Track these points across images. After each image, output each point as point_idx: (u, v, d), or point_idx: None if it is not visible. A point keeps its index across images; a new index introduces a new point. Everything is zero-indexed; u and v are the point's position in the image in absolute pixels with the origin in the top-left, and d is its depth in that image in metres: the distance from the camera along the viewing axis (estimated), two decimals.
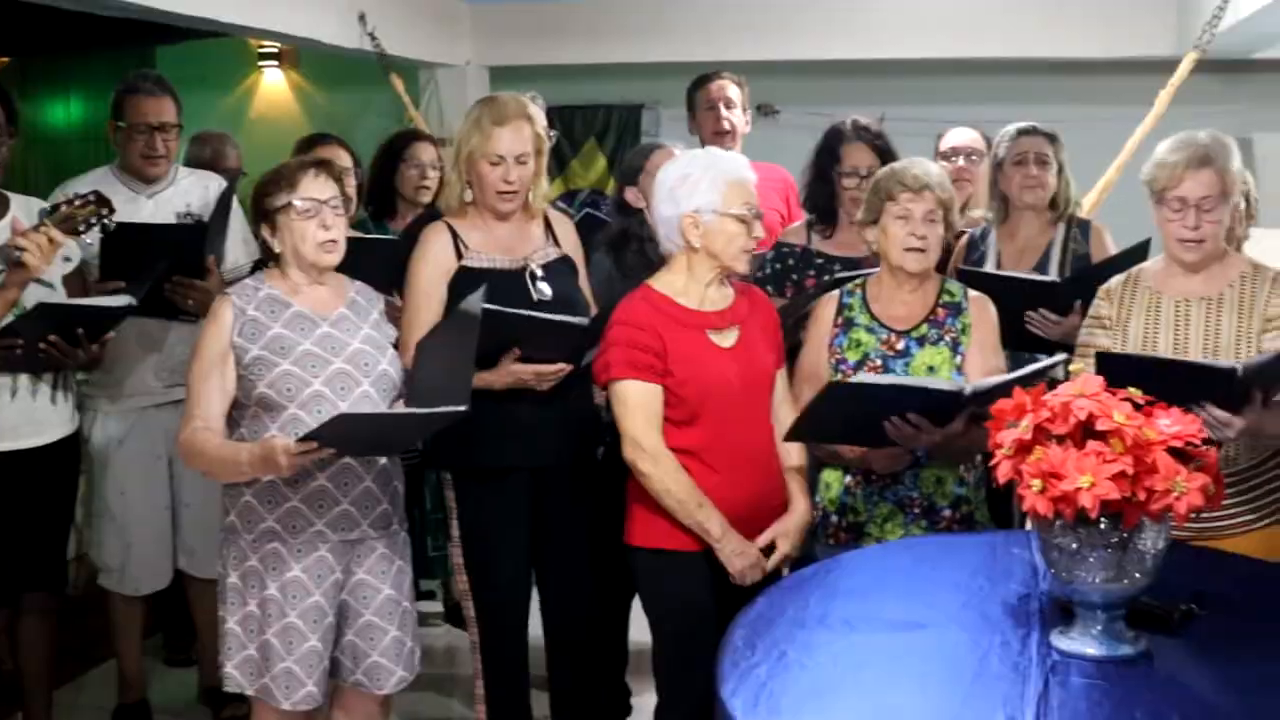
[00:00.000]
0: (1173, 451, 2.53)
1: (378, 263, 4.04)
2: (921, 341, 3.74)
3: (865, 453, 3.67)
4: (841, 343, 3.78)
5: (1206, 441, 3.08)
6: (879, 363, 3.72)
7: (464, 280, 3.84)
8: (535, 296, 3.90)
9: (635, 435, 3.52)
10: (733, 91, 5.51)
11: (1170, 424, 2.56)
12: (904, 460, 3.67)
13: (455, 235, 3.93)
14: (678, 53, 8.41)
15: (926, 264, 3.74)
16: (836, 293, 3.88)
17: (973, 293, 3.85)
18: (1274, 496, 3.55)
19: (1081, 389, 2.56)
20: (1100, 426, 2.50)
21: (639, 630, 3.76)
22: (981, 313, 3.81)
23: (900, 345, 3.75)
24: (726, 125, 5.45)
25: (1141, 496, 2.48)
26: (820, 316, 3.86)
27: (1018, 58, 8.43)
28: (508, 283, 3.82)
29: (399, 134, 5.62)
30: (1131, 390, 2.61)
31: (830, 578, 3.19)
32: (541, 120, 4.02)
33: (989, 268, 4.56)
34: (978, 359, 3.70)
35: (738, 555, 3.53)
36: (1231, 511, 3.49)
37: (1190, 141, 3.51)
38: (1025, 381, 3.27)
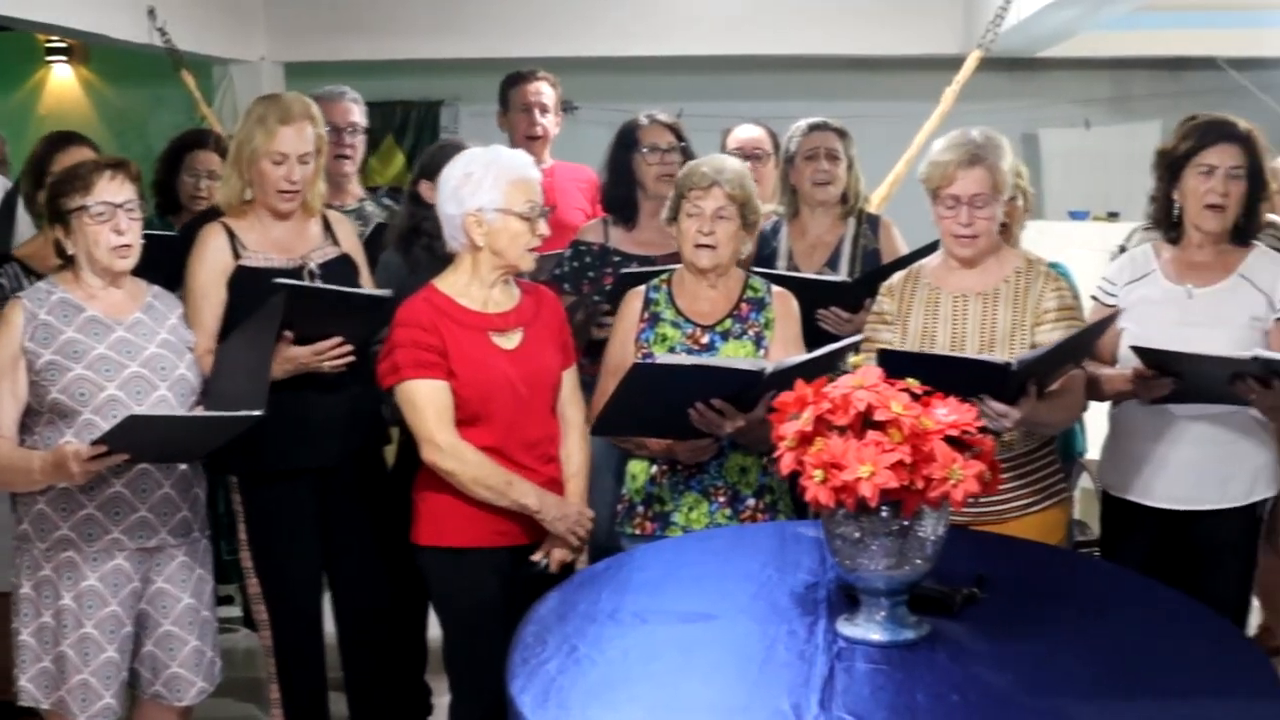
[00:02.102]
0: (950, 440, 2.59)
1: (159, 260, 3.96)
2: (726, 336, 3.79)
3: (671, 444, 3.71)
4: (648, 337, 3.81)
5: (983, 430, 3.21)
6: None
7: (242, 279, 3.82)
8: None
9: (429, 434, 3.51)
10: (547, 96, 5.49)
11: (947, 413, 2.62)
12: (709, 451, 3.71)
13: (232, 235, 3.89)
14: (476, 49, 8.40)
15: (716, 260, 3.76)
16: (643, 288, 3.91)
17: (776, 288, 3.90)
18: (1050, 480, 3.70)
19: (861, 381, 2.61)
20: (879, 417, 2.55)
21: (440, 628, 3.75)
22: (784, 307, 3.87)
23: (705, 339, 3.79)
24: (539, 130, 5.43)
25: (920, 484, 2.53)
26: (627, 311, 3.89)
27: (811, 54, 8.58)
28: None
29: (183, 136, 5.49)
30: (910, 381, 2.68)
31: (623, 572, 3.21)
32: (323, 120, 4.01)
33: (780, 264, 4.62)
34: (781, 353, 3.72)
35: (560, 519, 3.57)
36: (1011, 496, 3.61)
37: (962, 140, 3.61)
38: (824, 360, 3.34)
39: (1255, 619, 5.48)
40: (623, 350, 3.83)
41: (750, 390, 3.43)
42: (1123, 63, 9.24)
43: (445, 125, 9.76)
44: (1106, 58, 9.05)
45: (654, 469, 3.83)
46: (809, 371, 2.99)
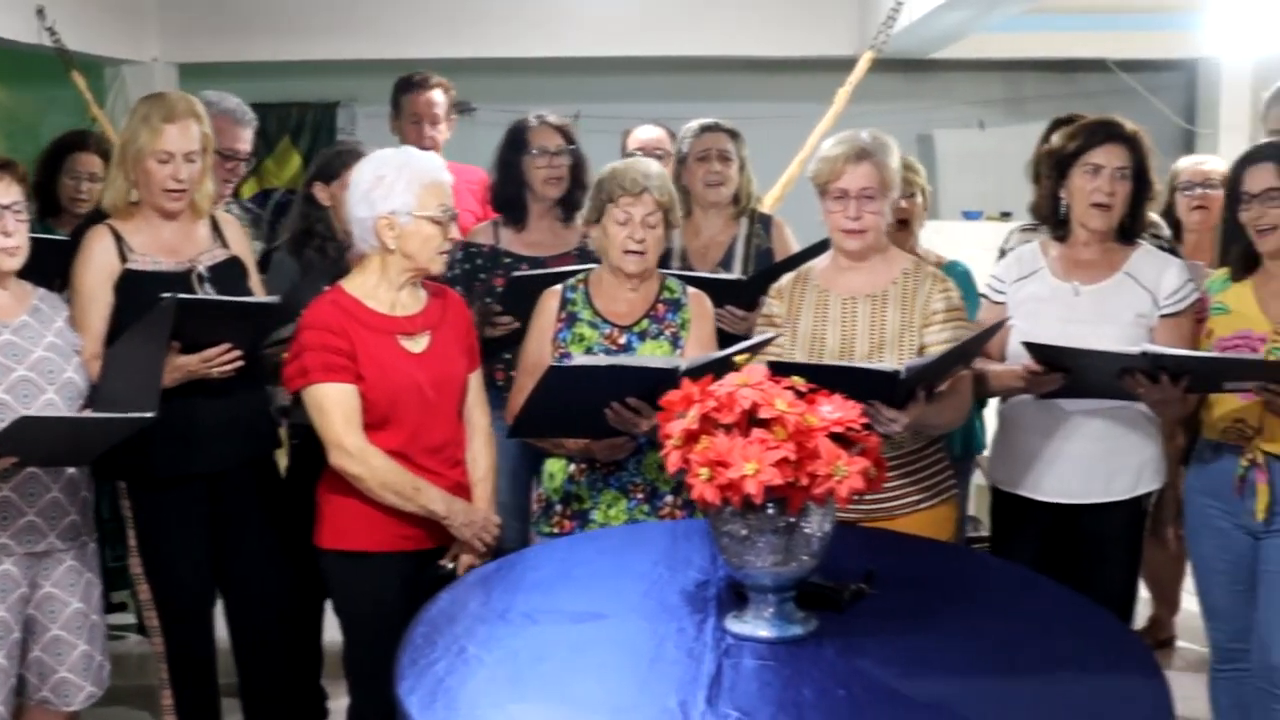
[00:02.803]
0: (834, 437, 2.60)
1: (42, 263, 3.91)
2: (643, 336, 3.81)
3: (588, 443, 3.71)
4: (565, 337, 3.82)
5: (869, 429, 3.24)
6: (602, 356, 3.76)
7: (129, 283, 3.78)
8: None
9: (338, 439, 3.48)
10: (440, 106, 5.46)
11: (831, 410, 2.64)
12: (627, 449, 3.73)
13: (118, 238, 3.83)
14: (373, 50, 8.37)
15: (645, 265, 3.79)
16: (559, 287, 3.91)
17: (691, 289, 3.93)
18: (939, 477, 3.75)
19: (746, 379, 2.62)
20: (764, 415, 2.56)
21: (337, 632, 3.73)
22: (700, 308, 3.90)
23: (623, 340, 3.80)
24: (428, 144, 5.36)
25: (805, 481, 2.54)
26: (543, 310, 3.88)
27: (707, 56, 8.64)
28: (173, 285, 3.72)
29: (63, 137, 5.39)
30: (795, 379, 2.69)
31: (514, 572, 3.21)
32: (209, 120, 3.95)
33: (674, 263, 4.63)
34: (697, 353, 3.73)
35: (467, 525, 3.58)
36: (900, 492, 3.65)
37: (851, 138, 3.66)
38: (734, 357, 3.35)
39: (1147, 610, 5.59)
40: (539, 350, 3.83)
41: (666, 388, 3.44)
42: (1015, 64, 9.36)
43: (342, 126, 9.67)
44: (999, 59, 9.17)
45: (572, 467, 3.84)
46: (723, 368, 3.00)
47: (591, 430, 3.62)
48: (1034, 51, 8.98)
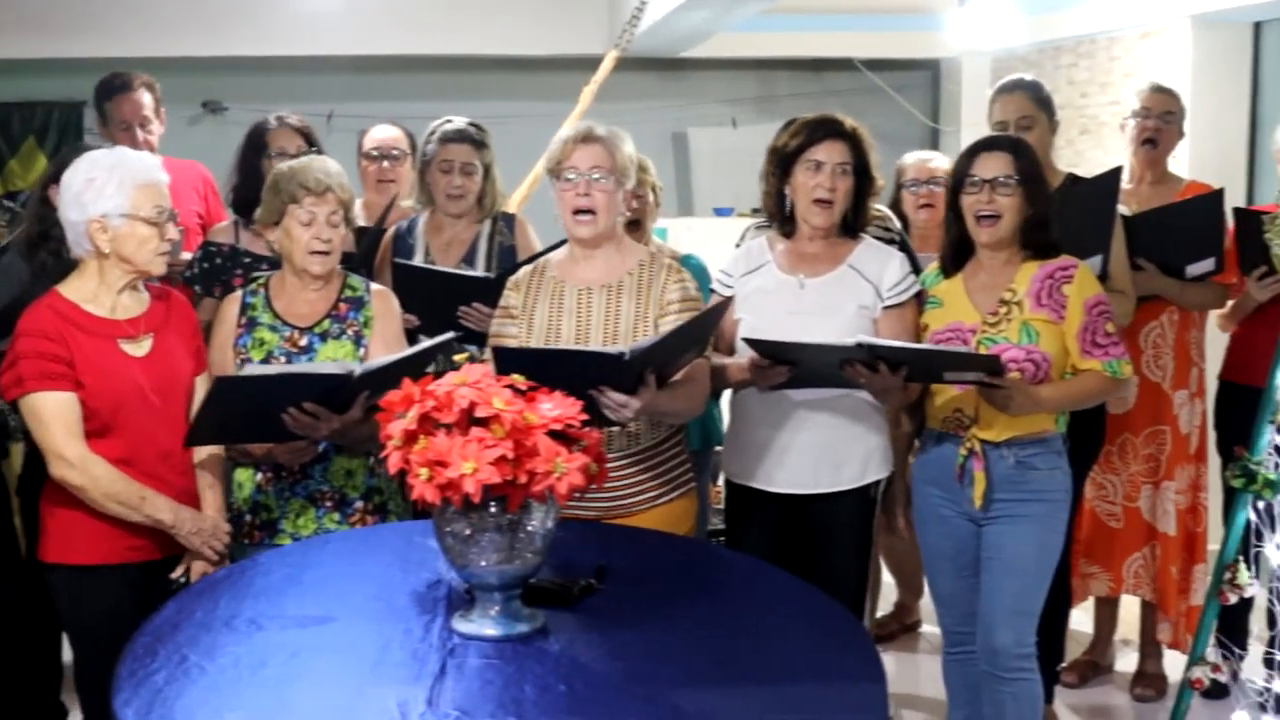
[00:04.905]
0: (555, 434, 2.63)
1: None
2: (324, 337, 3.77)
3: (271, 448, 3.67)
4: (246, 342, 3.76)
5: (606, 422, 3.27)
6: (283, 360, 3.72)
7: None
8: None
9: (58, 449, 3.40)
10: (148, 107, 5.27)
11: (551, 408, 2.67)
12: (309, 453, 3.69)
13: None
14: (120, 48, 8.12)
15: (330, 265, 3.77)
16: (240, 293, 3.86)
17: (375, 286, 3.91)
18: (677, 471, 3.79)
19: (465, 378, 2.63)
20: (482, 413, 2.58)
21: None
22: (384, 306, 3.87)
23: (304, 341, 3.76)
24: (145, 146, 5.15)
25: (524, 479, 2.57)
26: (224, 317, 3.83)
27: (459, 54, 8.61)
28: None
29: None
30: (515, 377, 2.71)
31: (244, 578, 3.16)
32: None
33: (418, 260, 4.62)
34: (381, 351, 3.72)
35: (195, 533, 3.51)
36: (640, 487, 3.69)
37: (582, 125, 3.74)
38: (413, 361, 3.35)
39: (894, 595, 5.76)
40: (221, 358, 3.77)
41: (341, 392, 3.43)
42: (766, 63, 9.50)
43: (89, 127, 9.40)
44: (751, 58, 9.29)
45: (259, 477, 3.79)
46: (401, 370, 3.00)
47: (273, 436, 3.59)
48: (784, 51, 9.13)
